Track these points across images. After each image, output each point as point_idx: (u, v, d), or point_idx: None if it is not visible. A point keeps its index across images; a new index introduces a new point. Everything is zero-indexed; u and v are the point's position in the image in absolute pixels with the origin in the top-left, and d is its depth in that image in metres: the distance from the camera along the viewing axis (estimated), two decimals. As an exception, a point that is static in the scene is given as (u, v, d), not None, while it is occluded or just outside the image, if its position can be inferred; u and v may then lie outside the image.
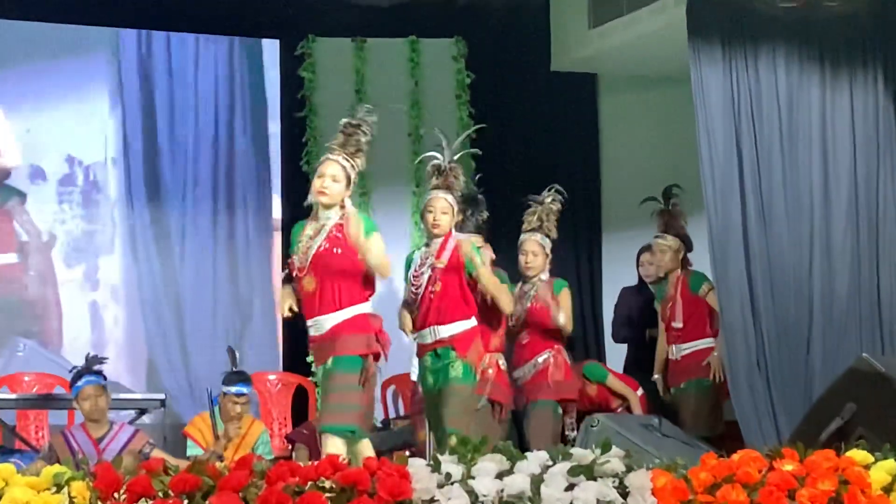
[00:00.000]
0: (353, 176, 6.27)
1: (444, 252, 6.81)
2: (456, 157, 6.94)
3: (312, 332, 6.25)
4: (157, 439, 7.51)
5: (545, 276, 7.83)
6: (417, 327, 6.85)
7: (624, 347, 9.18)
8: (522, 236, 7.83)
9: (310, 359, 9.45)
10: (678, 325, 8.08)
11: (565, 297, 7.81)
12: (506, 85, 10.14)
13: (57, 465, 4.33)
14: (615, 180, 10.15)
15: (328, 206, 6.26)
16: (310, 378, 9.36)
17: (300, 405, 9.31)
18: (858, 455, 4.70)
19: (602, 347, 9.97)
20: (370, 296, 6.27)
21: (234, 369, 7.84)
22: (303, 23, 9.87)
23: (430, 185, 6.96)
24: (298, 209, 9.36)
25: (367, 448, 6.07)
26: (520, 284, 7.83)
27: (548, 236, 7.76)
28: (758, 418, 7.38)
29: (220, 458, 6.83)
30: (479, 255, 6.82)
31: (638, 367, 8.77)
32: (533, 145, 10.02)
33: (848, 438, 5.22)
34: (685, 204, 8.30)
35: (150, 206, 9.24)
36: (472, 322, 6.81)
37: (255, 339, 9.30)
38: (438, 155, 6.91)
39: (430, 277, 6.77)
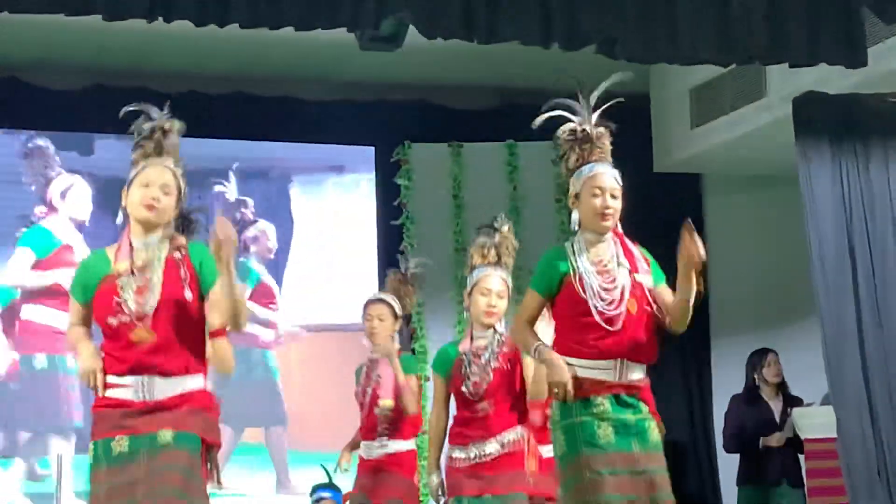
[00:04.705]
0: (183, 189, 4.58)
1: (633, 257, 5.05)
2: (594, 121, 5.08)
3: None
4: None
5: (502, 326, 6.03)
6: (595, 356, 4.88)
7: (736, 457, 8.83)
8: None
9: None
10: None
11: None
12: (608, 187, 9.91)
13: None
14: (723, 283, 9.88)
15: (153, 228, 4.53)
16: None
17: None
18: None
19: (714, 457, 9.67)
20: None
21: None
22: (397, 129, 9.82)
23: (572, 159, 5.11)
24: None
25: None
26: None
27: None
28: (881, 532, 7.12)
29: None
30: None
31: (752, 477, 8.54)
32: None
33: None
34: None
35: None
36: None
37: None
38: (570, 115, 5.09)
39: (622, 293, 4.92)
